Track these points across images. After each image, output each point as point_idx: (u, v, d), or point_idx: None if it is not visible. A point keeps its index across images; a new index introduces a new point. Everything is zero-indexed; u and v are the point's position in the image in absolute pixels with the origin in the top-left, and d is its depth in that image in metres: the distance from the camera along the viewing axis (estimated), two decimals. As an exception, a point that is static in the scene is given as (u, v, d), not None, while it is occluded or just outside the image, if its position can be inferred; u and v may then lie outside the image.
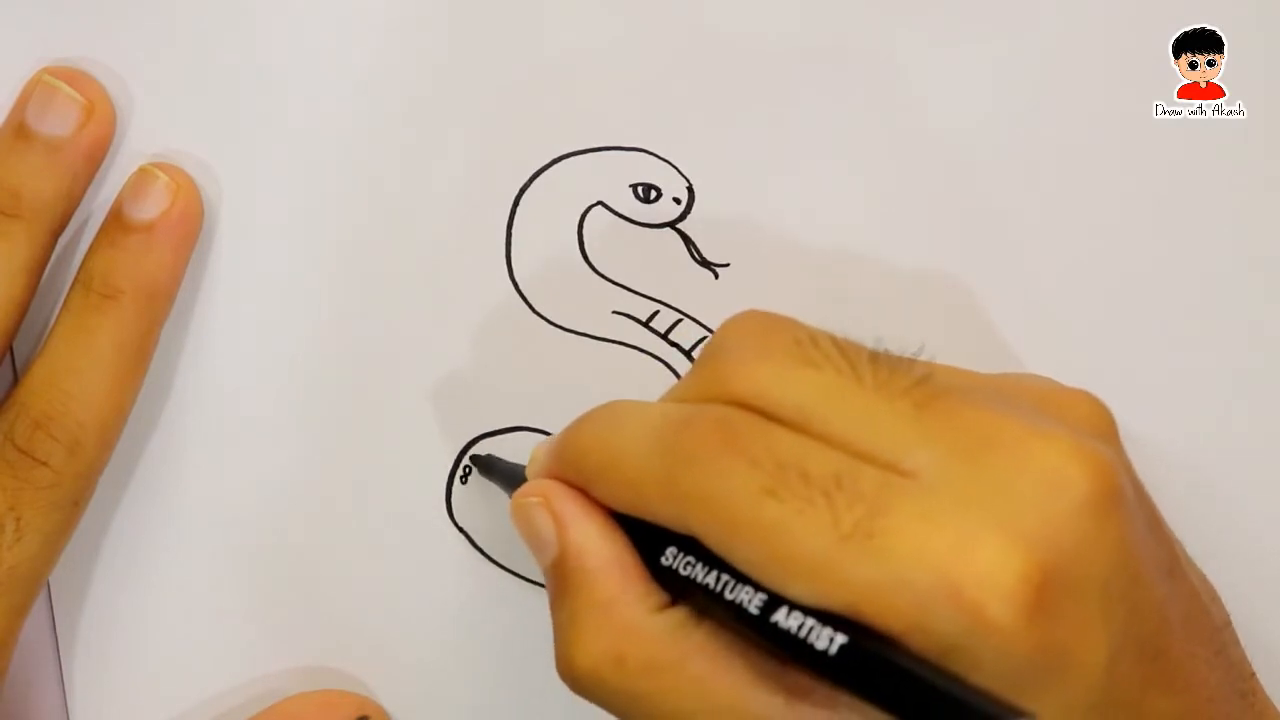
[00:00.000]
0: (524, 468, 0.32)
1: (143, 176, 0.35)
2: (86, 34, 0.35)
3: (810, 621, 0.24)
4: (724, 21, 0.35)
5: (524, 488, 0.30)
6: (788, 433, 0.26)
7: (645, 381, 0.36)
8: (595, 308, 0.36)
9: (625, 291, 0.36)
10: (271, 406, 0.36)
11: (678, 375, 0.36)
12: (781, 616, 0.24)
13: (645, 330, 0.36)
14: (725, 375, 0.27)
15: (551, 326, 0.36)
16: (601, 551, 0.28)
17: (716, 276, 0.36)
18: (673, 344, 0.36)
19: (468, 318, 0.36)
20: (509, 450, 0.36)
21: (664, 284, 0.36)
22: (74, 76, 0.35)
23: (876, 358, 0.27)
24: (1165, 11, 0.34)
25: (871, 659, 0.24)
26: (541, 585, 0.36)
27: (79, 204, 0.35)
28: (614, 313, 0.36)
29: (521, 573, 0.37)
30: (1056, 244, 0.35)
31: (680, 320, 0.36)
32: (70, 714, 0.38)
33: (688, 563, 0.27)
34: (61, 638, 0.37)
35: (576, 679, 0.28)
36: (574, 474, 0.29)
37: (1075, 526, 0.25)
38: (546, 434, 0.36)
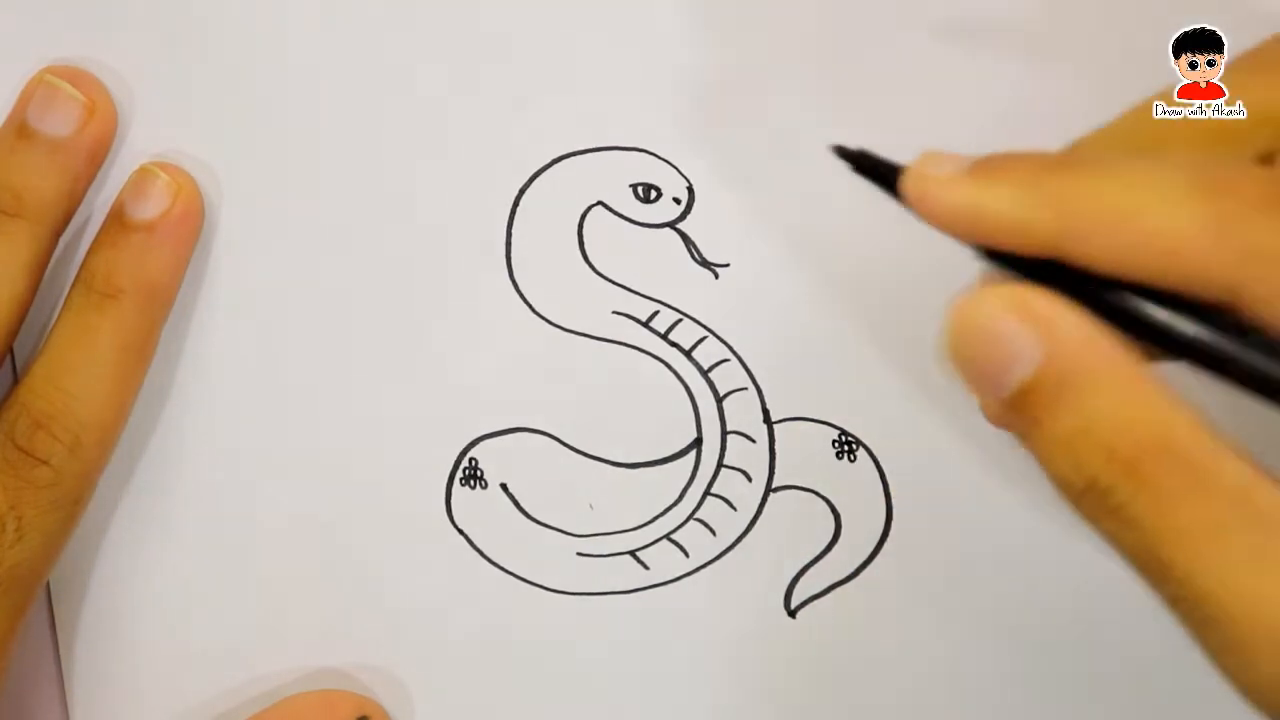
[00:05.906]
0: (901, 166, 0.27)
1: (144, 176, 0.35)
2: (87, 34, 0.35)
3: None
4: (724, 21, 0.35)
5: (971, 303, 0.25)
6: None
7: (645, 381, 0.36)
8: (595, 308, 0.36)
9: (625, 291, 0.36)
10: (271, 407, 0.36)
11: (678, 375, 0.36)
12: None
13: (645, 330, 0.36)
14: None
15: (551, 326, 0.36)
16: (1101, 334, 0.24)
17: (716, 276, 0.36)
18: (673, 344, 0.36)
19: (468, 318, 0.36)
20: (508, 450, 0.36)
21: (664, 284, 0.36)
22: (75, 76, 0.35)
23: None
24: (1165, 11, 0.34)
25: None
26: (540, 587, 0.36)
27: (80, 203, 0.35)
28: (614, 313, 0.36)
29: (521, 573, 0.36)
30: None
31: (680, 320, 0.36)
32: (70, 714, 0.37)
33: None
34: (61, 638, 0.37)
35: (1127, 463, 0.24)
36: (1056, 219, 0.25)
37: None
38: (546, 434, 0.36)
